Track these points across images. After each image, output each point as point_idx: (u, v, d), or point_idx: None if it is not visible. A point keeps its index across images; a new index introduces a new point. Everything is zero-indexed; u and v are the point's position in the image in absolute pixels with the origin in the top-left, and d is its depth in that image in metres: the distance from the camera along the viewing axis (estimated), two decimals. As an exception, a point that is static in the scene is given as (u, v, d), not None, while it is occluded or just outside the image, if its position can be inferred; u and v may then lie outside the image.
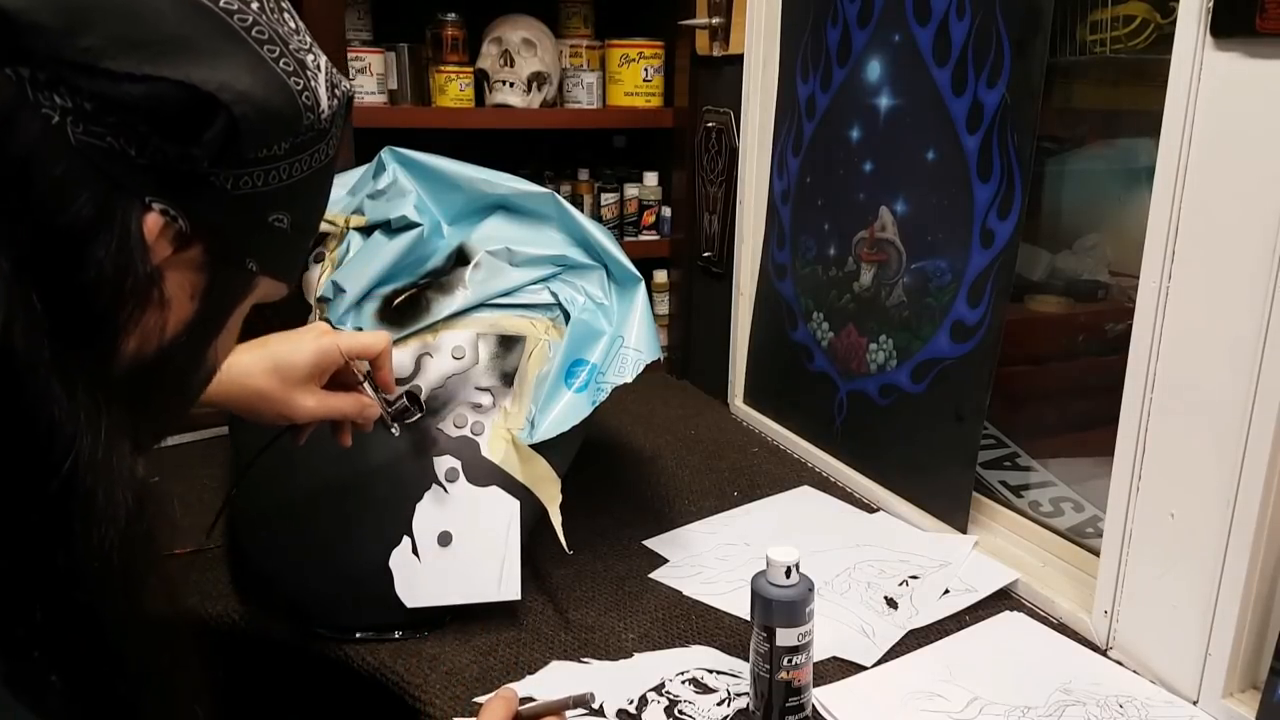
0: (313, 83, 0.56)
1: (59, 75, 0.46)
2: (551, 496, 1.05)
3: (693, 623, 1.08)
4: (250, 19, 0.52)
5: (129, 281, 0.51)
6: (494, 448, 1.06)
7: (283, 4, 0.57)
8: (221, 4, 0.51)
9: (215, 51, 0.50)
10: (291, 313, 1.14)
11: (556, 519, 1.04)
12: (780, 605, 0.87)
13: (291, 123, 0.54)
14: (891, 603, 1.10)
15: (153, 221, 0.51)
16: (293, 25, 0.56)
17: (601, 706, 0.93)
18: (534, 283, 1.15)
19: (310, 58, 0.56)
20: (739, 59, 1.65)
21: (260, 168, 0.54)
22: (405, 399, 0.97)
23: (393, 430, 0.96)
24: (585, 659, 1.01)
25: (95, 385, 0.50)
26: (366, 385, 0.91)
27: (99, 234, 0.49)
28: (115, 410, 0.51)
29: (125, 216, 0.50)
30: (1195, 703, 0.94)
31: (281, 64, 0.54)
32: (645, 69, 1.92)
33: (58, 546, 0.49)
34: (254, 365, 0.84)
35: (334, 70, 0.59)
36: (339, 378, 0.90)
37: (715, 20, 1.71)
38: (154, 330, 0.54)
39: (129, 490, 0.51)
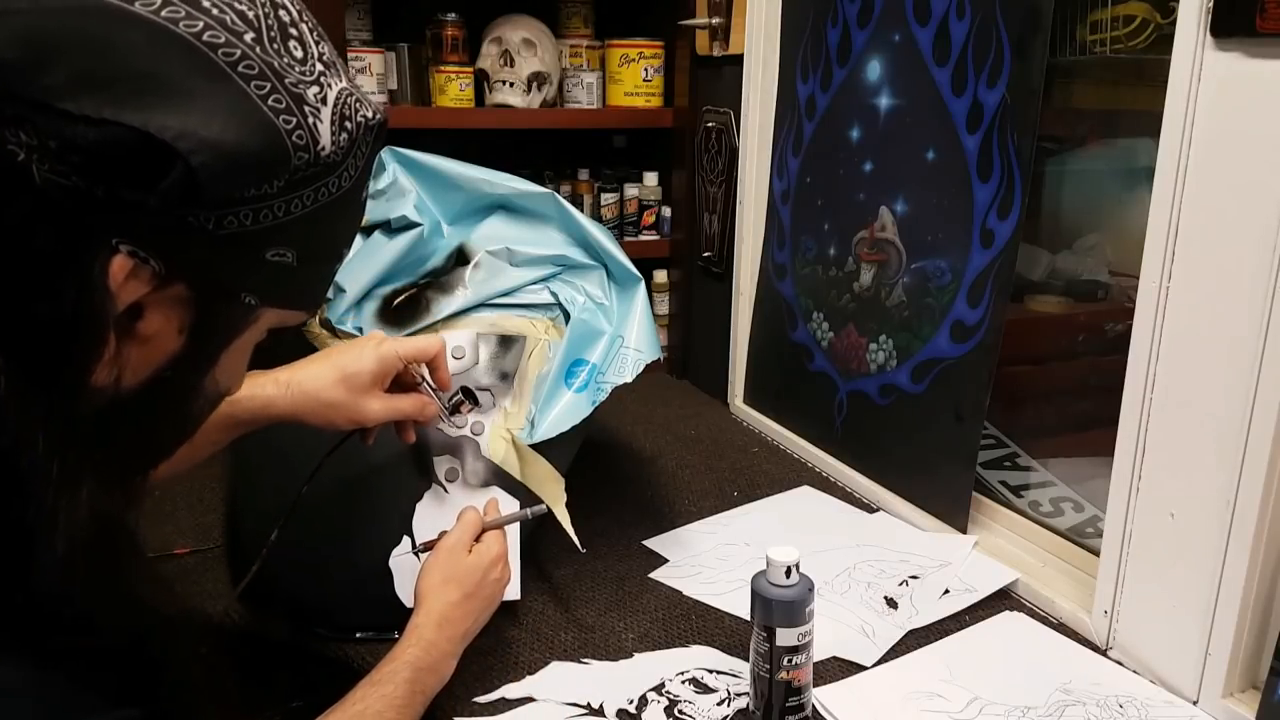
0: (309, 119, 0.52)
1: (21, 113, 0.45)
2: (556, 496, 1.05)
3: (693, 623, 1.08)
4: (238, 53, 0.49)
5: (90, 324, 0.49)
6: (494, 448, 1.06)
7: (294, 30, 0.53)
8: (205, 38, 0.48)
9: (188, 92, 0.48)
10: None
11: (564, 518, 1.04)
12: (780, 605, 0.87)
13: (273, 165, 0.51)
14: (891, 603, 1.10)
15: (119, 264, 0.49)
16: (298, 55, 0.53)
17: (601, 706, 0.93)
18: (534, 283, 1.15)
19: (314, 90, 0.53)
20: (739, 59, 1.65)
21: (246, 207, 0.51)
22: (461, 394, 1.02)
23: (452, 423, 1.01)
24: (585, 659, 1.01)
25: (55, 424, 0.49)
26: (425, 385, 0.96)
27: (61, 273, 0.48)
28: (81, 448, 0.50)
29: (89, 257, 0.48)
30: (1195, 703, 0.94)
31: (270, 101, 0.50)
32: (645, 69, 1.92)
33: (13, 585, 0.49)
34: (323, 378, 0.89)
35: (352, 99, 0.55)
36: (399, 380, 0.94)
37: (715, 20, 1.71)
38: (135, 365, 0.53)
39: (82, 529, 0.50)
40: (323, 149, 0.53)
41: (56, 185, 0.46)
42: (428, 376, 0.96)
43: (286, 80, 0.51)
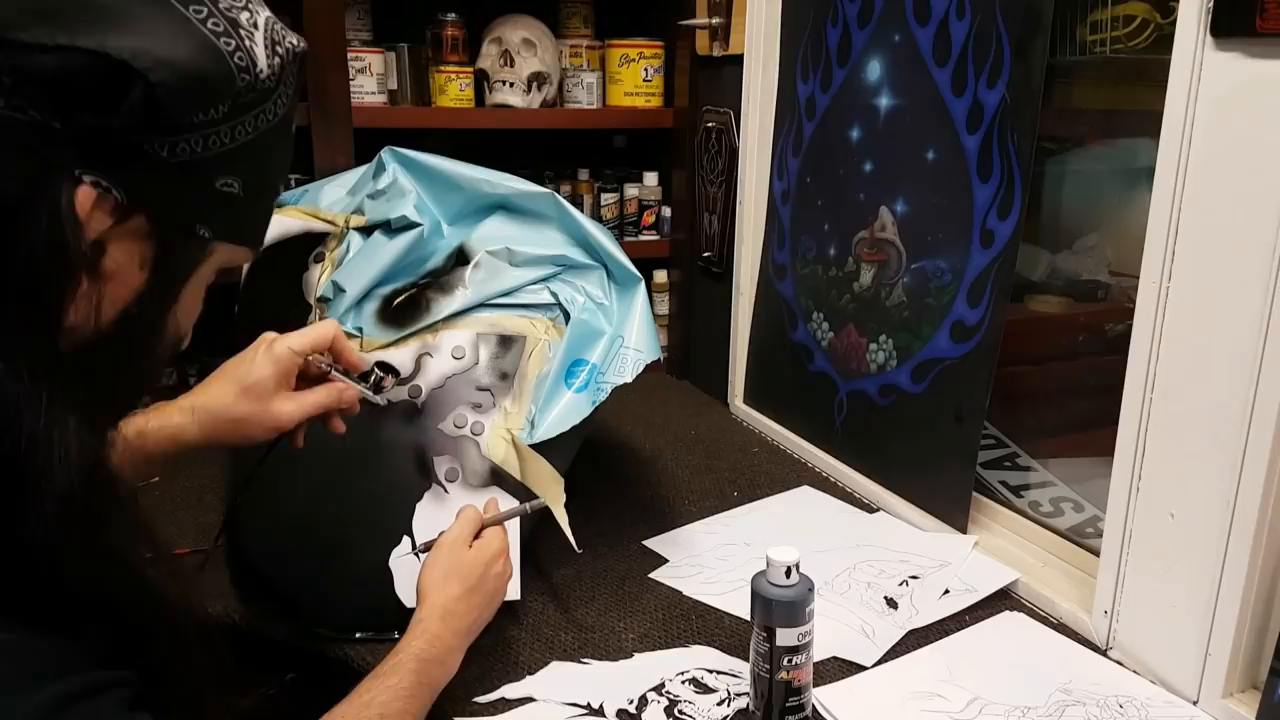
0: (247, 42, 0.54)
1: None
2: (555, 496, 1.05)
3: (693, 623, 1.08)
4: None
5: (63, 256, 0.51)
6: (494, 448, 1.06)
7: None
8: None
9: (133, 16, 0.49)
10: (292, 313, 1.14)
11: (563, 519, 1.04)
12: (780, 605, 0.87)
13: (222, 86, 0.53)
14: (891, 603, 1.10)
15: (84, 195, 0.50)
16: None
17: (601, 706, 0.93)
18: (534, 283, 1.15)
19: (245, 15, 0.55)
20: (739, 59, 1.65)
21: (197, 133, 0.53)
22: (377, 370, 0.98)
23: (378, 401, 0.96)
24: (585, 659, 1.01)
25: (39, 360, 0.50)
26: (334, 373, 0.92)
27: (29, 209, 0.49)
28: (64, 384, 0.51)
29: (55, 191, 0.49)
30: (1195, 703, 0.94)
31: (209, 25, 0.52)
32: (645, 69, 1.92)
33: (9, 520, 0.49)
34: (225, 395, 0.86)
35: (277, 26, 0.58)
36: (307, 374, 0.92)
37: (715, 20, 1.71)
38: (100, 302, 0.54)
39: (75, 464, 0.51)
40: (260, 71, 0.55)
41: (15, 121, 0.47)
42: (335, 364, 0.93)
43: (220, 5, 0.54)
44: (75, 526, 0.52)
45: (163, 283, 0.58)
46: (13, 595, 0.50)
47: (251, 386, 0.86)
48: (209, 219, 0.58)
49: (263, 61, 0.55)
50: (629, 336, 1.13)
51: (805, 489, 1.43)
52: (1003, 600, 1.12)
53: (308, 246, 1.19)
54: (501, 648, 1.02)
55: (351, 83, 1.68)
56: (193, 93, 0.52)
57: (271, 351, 0.87)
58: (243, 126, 0.56)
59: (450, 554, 0.91)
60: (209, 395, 0.86)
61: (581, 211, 1.20)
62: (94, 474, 0.54)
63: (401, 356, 1.08)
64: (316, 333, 0.90)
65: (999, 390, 1.20)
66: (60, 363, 0.52)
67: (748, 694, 0.93)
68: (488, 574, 0.92)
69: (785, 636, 0.87)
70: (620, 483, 1.45)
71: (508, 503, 1.04)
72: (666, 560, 1.22)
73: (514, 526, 1.04)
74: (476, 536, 0.94)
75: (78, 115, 0.49)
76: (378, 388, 0.97)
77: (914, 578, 1.15)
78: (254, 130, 0.57)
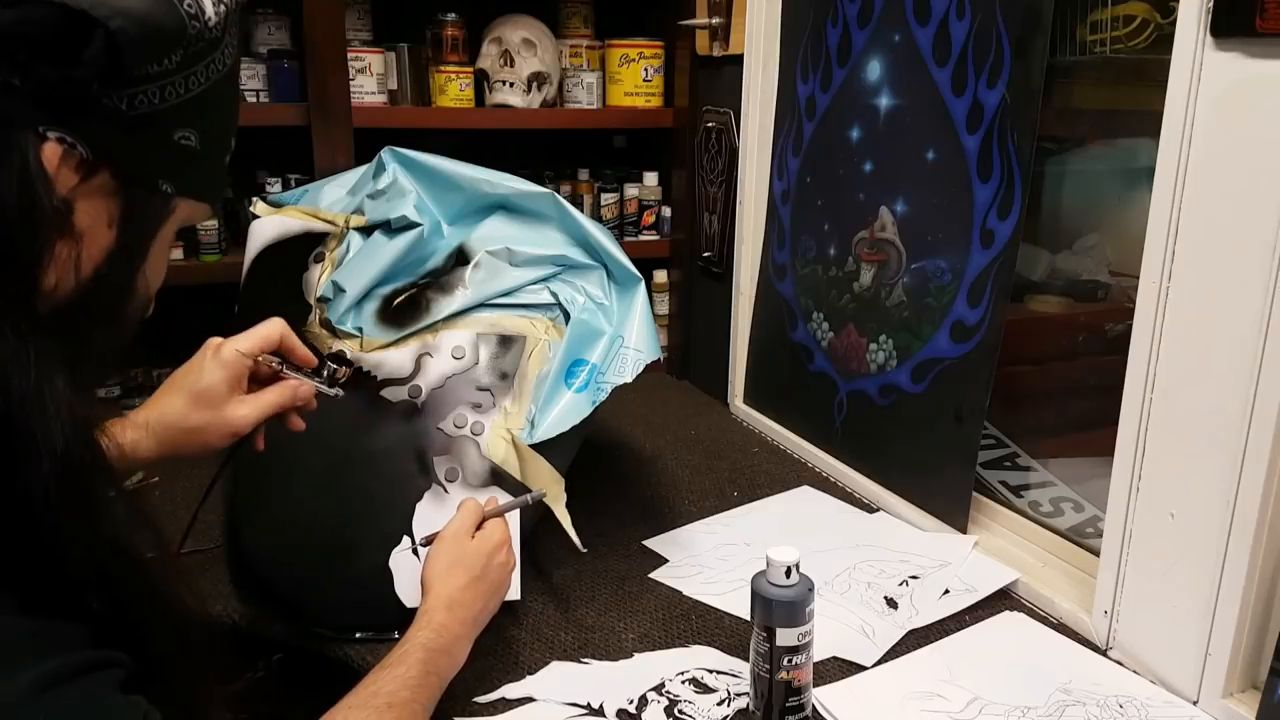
0: None
1: None
2: (556, 496, 1.05)
3: (693, 623, 1.08)
4: None
5: (36, 214, 0.51)
6: (494, 448, 1.06)
7: None
8: None
9: None
10: (292, 313, 1.14)
11: (565, 519, 1.04)
12: (780, 605, 0.87)
13: (175, 34, 0.55)
14: (891, 603, 1.10)
15: (50, 151, 0.51)
16: None
17: (601, 706, 0.93)
18: (534, 283, 1.15)
19: None
20: (739, 59, 1.65)
21: (154, 84, 0.55)
22: (331, 363, 0.96)
23: (333, 394, 0.94)
24: (585, 659, 1.01)
25: (21, 322, 0.51)
26: (285, 371, 0.91)
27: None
28: (46, 346, 0.52)
29: (22, 149, 0.50)
30: (1195, 703, 0.94)
31: None
32: (645, 69, 1.92)
33: (7, 481, 0.50)
34: (177, 405, 0.85)
35: None
36: (259, 376, 0.90)
37: (715, 20, 1.71)
38: (74, 262, 0.55)
39: (67, 423, 0.52)
40: (209, 19, 0.57)
41: None
42: (286, 362, 0.91)
43: None
44: (72, 488, 0.52)
45: (131, 240, 0.59)
46: (5, 575, 0.50)
47: (203, 394, 0.85)
48: (170, 174, 0.59)
49: (210, 9, 0.57)
50: (629, 336, 1.13)
51: (805, 489, 1.43)
52: (1003, 600, 1.12)
53: (308, 246, 1.19)
54: (501, 648, 1.02)
55: (351, 83, 1.68)
56: (149, 40, 0.53)
57: (219, 356, 0.86)
58: (195, 77, 0.57)
59: (454, 545, 0.91)
60: (161, 408, 0.85)
61: (581, 211, 1.20)
62: (88, 433, 0.54)
63: (401, 356, 1.08)
64: (262, 332, 0.89)
65: (999, 390, 1.20)
66: (42, 324, 0.53)
67: (748, 694, 0.93)
68: (491, 564, 0.92)
69: (785, 636, 0.87)
70: (620, 483, 1.45)
71: (508, 500, 1.04)
72: (666, 560, 1.22)
73: (515, 523, 1.04)
74: (479, 528, 0.94)
75: (39, 69, 0.50)
76: (332, 381, 0.95)
77: (914, 578, 1.15)
78: (206, 81, 0.59)
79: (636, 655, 1.02)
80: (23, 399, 0.50)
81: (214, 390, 0.85)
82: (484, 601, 0.90)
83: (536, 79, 1.85)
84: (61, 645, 0.52)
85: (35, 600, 0.51)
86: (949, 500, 1.26)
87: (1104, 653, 1.03)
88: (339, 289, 1.12)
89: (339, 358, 0.98)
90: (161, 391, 0.87)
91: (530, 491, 1.03)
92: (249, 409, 0.87)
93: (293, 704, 0.89)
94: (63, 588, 0.52)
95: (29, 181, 0.51)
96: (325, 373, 0.95)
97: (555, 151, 2.08)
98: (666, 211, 2.01)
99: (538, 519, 1.08)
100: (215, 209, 0.66)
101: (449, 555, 0.90)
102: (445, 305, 1.11)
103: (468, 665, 0.92)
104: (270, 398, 0.88)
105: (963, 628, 1.07)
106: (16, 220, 0.51)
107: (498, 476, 1.06)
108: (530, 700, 0.94)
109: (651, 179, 2.01)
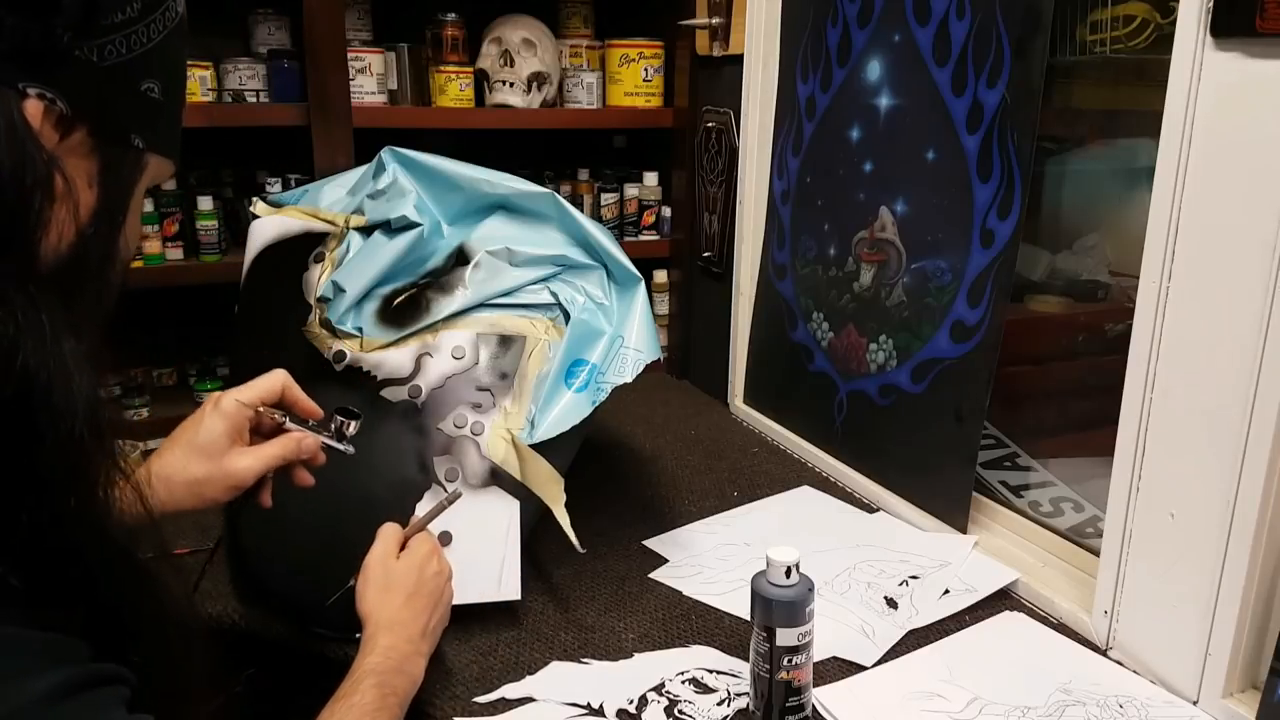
0: None
1: None
2: (555, 497, 1.05)
3: (693, 623, 1.08)
4: None
5: (31, 172, 0.52)
6: (494, 448, 1.06)
7: None
8: None
9: None
10: (292, 313, 1.14)
11: (564, 519, 1.04)
12: (780, 605, 0.87)
13: None
14: (891, 603, 1.10)
15: (33, 107, 0.52)
16: None
17: (601, 706, 0.93)
18: (534, 283, 1.15)
19: None
20: (739, 59, 1.65)
21: (120, 34, 0.56)
22: (338, 416, 0.92)
23: (344, 450, 0.92)
24: (585, 659, 1.01)
25: (27, 286, 0.51)
26: (289, 423, 0.89)
27: None
28: (53, 307, 0.52)
29: (7, 107, 0.51)
30: (1195, 703, 0.94)
31: None
32: (645, 69, 1.92)
33: (27, 446, 0.50)
34: (179, 460, 0.83)
35: None
36: (262, 429, 0.89)
37: (715, 20, 1.71)
38: (66, 222, 0.55)
39: (85, 380, 0.52)
40: None
41: None
42: (289, 414, 0.89)
43: None
44: (84, 456, 0.52)
45: (112, 199, 0.59)
46: (7, 586, 0.50)
47: (204, 446, 0.83)
48: (140, 127, 0.60)
49: None
50: (629, 336, 1.13)
51: (805, 489, 1.43)
52: (1003, 600, 1.12)
53: (308, 246, 1.19)
54: (501, 648, 1.02)
55: (351, 83, 1.68)
56: None
57: (219, 408, 0.85)
58: (154, 24, 0.59)
59: (381, 570, 0.90)
60: (162, 461, 0.84)
61: (581, 211, 1.20)
62: (96, 395, 0.54)
63: (401, 356, 1.08)
64: (264, 384, 0.88)
65: (999, 390, 1.20)
66: (45, 287, 0.53)
67: (748, 694, 0.93)
68: (424, 576, 0.90)
69: (785, 636, 0.87)
70: (620, 483, 1.45)
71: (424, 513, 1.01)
72: (666, 560, 1.22)
73: (514, 526, 1.04)
74: (402, 548, 0.93)
75: (16, 24, 0.50)
76: (340, 435, 0.92)
77: (914, 578, 1.15)
78: (163, 30, 0.60)
79: (636, 655, 1.02)
80: (42, 362, 0.50)
81: (215, 442, 0.84)
82: (428, 614, 0.89)
83: (536, 79, 1.86)
84: (69, 658, 0.52)
85: (37, 616, 0.50)
86: (949, 500, 1.26)
87: (1104, 653, 1.03)
88: (339, 289, 1.12)
89: (348, 411, 0.93)
90: (164, 446, 0.86)
91: (459, 495, 0.98)
92: (250, 460, 0.85)
93: (284, 704, 0.89)
94: (63, 594, 0.52)
95: (18, 139, 0.51)
96: (333, 426, 0.92)
97: (555, 151, 2.08)
98: (666, 211, 2.01)
99: (538, 520, 1.08)
100: (177, 166, 0.66)
101: (378, 581, 0.89)
102: (445, 305, 1.11)
103: (468, 666, 0.92)
104: (273, 450, 0.86)
105: (963, 628, 1.07)
106: (11, 181, 0.51)
107: (497, 476, 1.06)
108: (530, 700, 0.94)
109: (651, 179, 2.01)
